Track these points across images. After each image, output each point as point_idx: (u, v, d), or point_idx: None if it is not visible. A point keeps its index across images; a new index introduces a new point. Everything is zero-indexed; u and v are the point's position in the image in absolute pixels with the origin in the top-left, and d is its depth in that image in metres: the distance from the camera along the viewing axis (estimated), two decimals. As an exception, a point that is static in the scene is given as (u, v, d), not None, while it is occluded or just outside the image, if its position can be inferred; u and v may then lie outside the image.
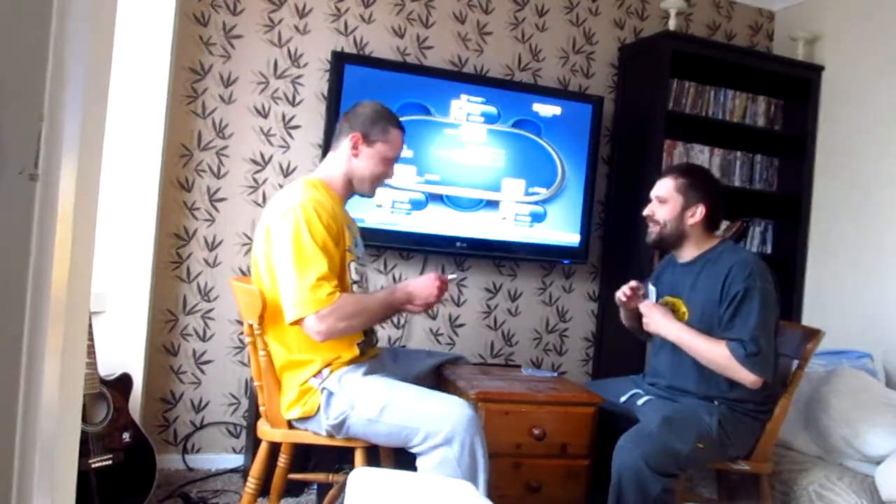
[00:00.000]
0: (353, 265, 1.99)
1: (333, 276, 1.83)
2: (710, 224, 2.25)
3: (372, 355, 2.04)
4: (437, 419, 1.77)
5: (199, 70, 2.87)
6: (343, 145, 2.01)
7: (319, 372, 1.89)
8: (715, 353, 2.06)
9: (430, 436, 1.76)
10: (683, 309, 2.22)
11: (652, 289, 2.26)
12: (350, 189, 2.06)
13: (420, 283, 1.97)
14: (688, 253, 2.27)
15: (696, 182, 2.24)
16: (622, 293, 2.29)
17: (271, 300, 1.89)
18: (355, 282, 1.99)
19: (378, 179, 2.05)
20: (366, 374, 1.90)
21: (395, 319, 3.13)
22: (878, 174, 3.15)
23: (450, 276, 2.04)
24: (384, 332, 3.10)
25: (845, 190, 3.30)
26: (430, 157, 3.00)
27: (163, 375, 2.86)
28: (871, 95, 3.22)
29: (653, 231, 2.27)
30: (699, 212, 2.21)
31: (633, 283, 2.30)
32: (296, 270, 1.80)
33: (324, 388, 1.87)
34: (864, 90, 3.26)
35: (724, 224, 3.29)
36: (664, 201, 2.24)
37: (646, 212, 2.29)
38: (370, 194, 2.11)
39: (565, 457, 2.24)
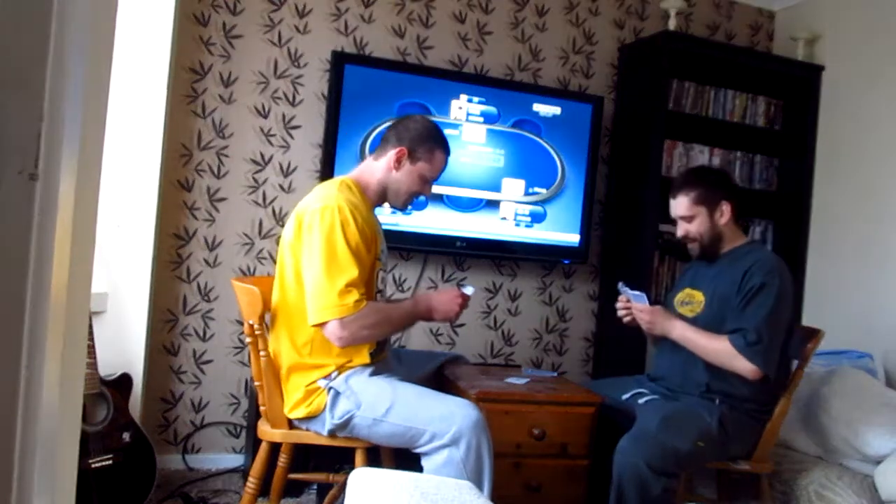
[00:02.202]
0: (379, 274, 2.00)
1: (362, 284, 1.82)
2: (738, 215, 2.26)
3: (380, 357, 2.04)
4: (444, 420, 1.77)
5: (199, 70, 2.87)
6: (387, 155, 2.00)
7: (329, 374, 1.89)
8: (715, 346, 2.09)
9: (436, 436, 1.76)
10: (700, 298, 2.24)
11: (639, 293, 2.25)
12: (382, 199, 2.05)
13: (442, 298, 1.98)
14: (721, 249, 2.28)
15: (709, 186, 2.24)
16: (622, 307, 2.28)
17: (291, 297, 1.89)
18: (379, 290, 2.00)
19: (413, 196, 2.05)
20: (372, 374, 1.90)
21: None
22: (879, 174, 3.15)
23: (468, 291, 2.02)
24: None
25: (845, 189, 3.30)
26: (430, 157, 3.00)
27: (163, 375, 2.85)
28: (871, 95, 3.22)
29: (694, 247, 2.28)
30: (726, 209, 2.22)
31: (620, 299, 2.29)
32: (326, 273, 1.79)
33: (330, 388, 1.86)
34: (864, 90, 3.26)
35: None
36: (691, 218, 2.24)
37: (679, 234, 2.29)
38: (402, 209, 2.12)
39: (565, 457, 2.24)
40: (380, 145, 2.05)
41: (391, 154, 1.99)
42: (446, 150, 2.05)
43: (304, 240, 1.85)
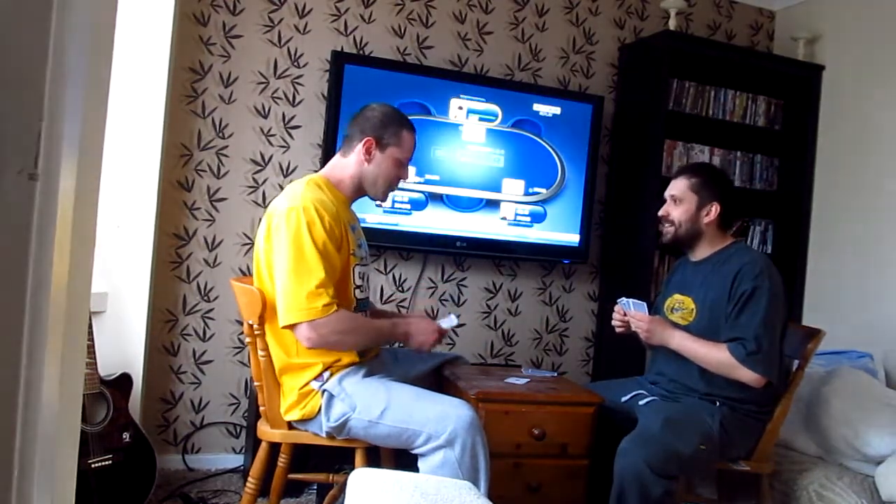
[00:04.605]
0: (357, 269, 1.99)
1: (331, 285, 1.81)
2: (724, 222, 2.26)
3: (372, 355, 2.04)
4: (439, 421, 1.77)
5: (199, 70, 2.87)
6: (355, 149, 1.99)
7: (320, 374, 1.88)
8: (716, 356, 2.07)
9: (431, 437, 1.76)
10: (691, 305, 2.23)
11: (639, 302, 2.25)
12: (360, 192, 2.04)
13: (420, 327, 1.98)
14: (701, 252, 2.28)
15: (710, 180, 2.25)
16: (618, 320, 2.28)
17: (271, 300, 1.89)
18: (358, 286, 1.99)
19: (392, 183, 2.04)
20: (366, 375, 1.90)
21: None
22: (879, 174, 3.15)
23: (447, 324, 2.03)
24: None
25: (845, 189, 3.30)
26: (430, 157, 3.00)
27: (163, 375, 2.85)
28: (871, 95, 3.22)
29: (668, 232, 2.28)
30: (714, 210, 2.22)
31: (616, 311, 2.29)
32: (294, 275, 1.79)
33: (324, 391, 1.86)
34: (864, 90, 3.26)
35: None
36: (679, 201, 2.25)
37: (661, 212, 2.30)
38: (383, 199, 2.10)
39: (565, 457, 2.24)
40: (344, 142, 2.04)
41: (359, 147, 1.98)
42: (412, 129, 2.04)
43: (273, 242, 1.85)
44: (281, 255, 1.82)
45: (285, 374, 1.92)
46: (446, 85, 3.04)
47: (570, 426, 2.24)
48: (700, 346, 2.11)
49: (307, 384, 1.88)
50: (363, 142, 1.97)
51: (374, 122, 1.99)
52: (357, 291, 1.99)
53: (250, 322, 1.94)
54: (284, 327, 1.81)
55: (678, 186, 2.27)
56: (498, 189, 3.10)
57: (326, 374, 1.88)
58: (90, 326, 2.18)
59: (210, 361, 2.92)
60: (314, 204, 1.84)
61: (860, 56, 3.30)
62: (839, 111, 3.37)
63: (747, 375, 2.04)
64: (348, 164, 2.01)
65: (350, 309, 1.94)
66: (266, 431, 1.96)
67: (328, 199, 1.92)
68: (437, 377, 2.37)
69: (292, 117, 2.99)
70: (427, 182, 2.99)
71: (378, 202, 2.17)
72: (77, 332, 0.84)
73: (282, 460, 2.10)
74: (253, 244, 2.94)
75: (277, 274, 1.84)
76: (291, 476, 2.13)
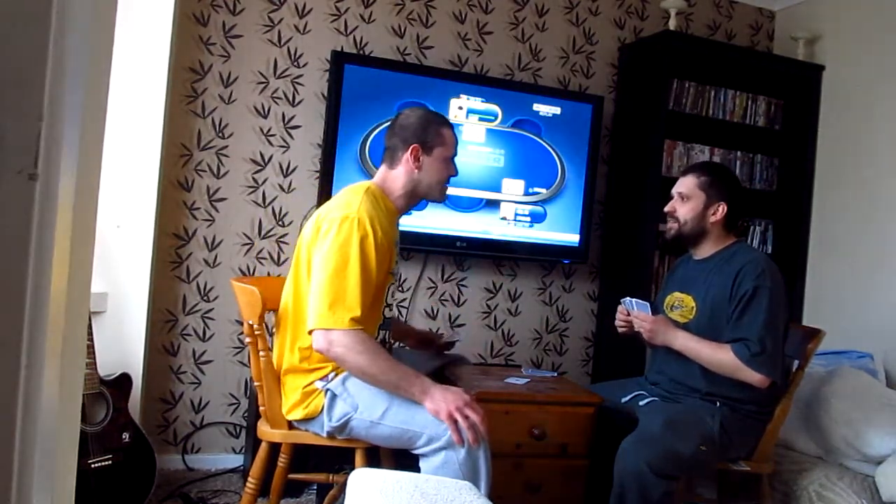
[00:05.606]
0: (391, 288, 1.99)
1: (364, 303, 1.79)
2: (729, 222, 2.25)
3: None
4: (440, 422, 1.76)
5: (199, 70, 2.87)
6: (402, 159, 1.98)
7: (325, 375, 1.89)
8: (720, 358, 2.07)
9: (432, 438, 1.76)
10: (691, 304, 2.23)
11: (642, 303, 2.25)
12: (414, 200, 2.04)
13: (442, 395, 1.78)
14: (704, 250, 2.27)
15: (719, 180, 2.24)
16: (621, 321, 2.28)
17: (303, 300, 1.88)
18: (388, 304, 2.01)
19: (446, 181, 2.04)
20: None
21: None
22: (879, 174, 3.15)
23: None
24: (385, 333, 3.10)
25: (845, 189, 3.30)
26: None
27: (162, 375, 2.85)
28: (871, 95, 3.22)
29: (671, 228, 2.27)
30: (721, 210, 2.21)
31: (619, 311, 2.30)
32: (332, 283, 1.77)
33: (327, 390, 1.86)
34: (864, 90, 3.26)
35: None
36: (687, 198, 2.24)
37: (667, 208, 2.29)
38: (441, 199, 2.10)
39: (565, 457, 2.24)
40: (387, 154, 2.02)
41: (406, 157, 1.97)
42: (449, 125, 2.04)
43: (319, 245, 1.84)
44: (324, 260, 1.80)
45: (290, 374, 1.91)
46: (446, 85, 3.04)
47: (570, 426, 2.24)
48: (704, 346, 2.11)
49: (311, 383, 1.88)
50: (409, 150, 1.96)
51: (414, 129, 1.98)
52: (386, 310, 1.99)
53: (250, 322, 1.94)
54: (310, 331, 1.80)
55: (686, 184, 2.25)
56: (498, 189, 3.10)
57: (331, 375, 1.88)
58: (90, 326, 2.18)
59: (210, 361, 2.92)
60: (369, 216, 1.83)
61: (860, 56, 3.30)
62: (839, 111, 3.37)
63: (752, 376, 2.03)
64: (398, 175, 1.99)
65: (376, 326, 1.95)
66: (266, 431, 1.96)
67: (383, 214, 1.91)
68: (440, 378, 2.37)
69: (292, 117, 2.99)
70: (427, 182, 2.99)
71: (437, 202, 2.18)
72: (77, 331, 0.84)
73: (282, 460, 2.10)
74: (253, 244, 2.95)
75: (315, 277, 1.82)
76: (291, 476, 2.13)
